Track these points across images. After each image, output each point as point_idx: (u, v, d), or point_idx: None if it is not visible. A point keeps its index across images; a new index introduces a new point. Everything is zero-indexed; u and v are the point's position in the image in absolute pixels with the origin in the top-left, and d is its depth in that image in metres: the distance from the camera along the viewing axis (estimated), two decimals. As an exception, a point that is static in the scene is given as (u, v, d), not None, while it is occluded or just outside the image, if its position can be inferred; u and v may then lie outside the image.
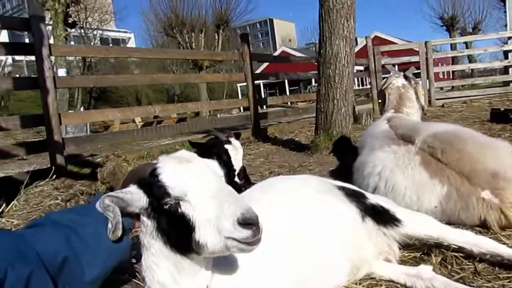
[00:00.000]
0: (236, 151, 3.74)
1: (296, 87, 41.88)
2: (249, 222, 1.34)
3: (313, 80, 36.13)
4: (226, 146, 3.73)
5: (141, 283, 1.72)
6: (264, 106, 10.03)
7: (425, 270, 2.09)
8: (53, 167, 3.97)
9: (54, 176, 3.12)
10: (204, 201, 1.42)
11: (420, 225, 2.28)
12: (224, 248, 1.40)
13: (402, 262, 2.32)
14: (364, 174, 3.29)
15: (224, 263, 1.70)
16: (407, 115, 4.03)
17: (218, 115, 20.76)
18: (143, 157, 7.08)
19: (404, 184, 2.96)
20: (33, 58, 5.43)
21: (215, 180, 1.51)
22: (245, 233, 1.34)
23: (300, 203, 2.08)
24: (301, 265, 1.87)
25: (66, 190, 2.81)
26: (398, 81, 4.23)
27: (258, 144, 7.97)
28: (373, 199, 2.37)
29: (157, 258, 1.60)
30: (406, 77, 4.25)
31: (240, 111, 27.09)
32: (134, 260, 1.89)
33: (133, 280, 1.72)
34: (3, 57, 33.41)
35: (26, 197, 2.75)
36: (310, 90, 35.83)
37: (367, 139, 3.77)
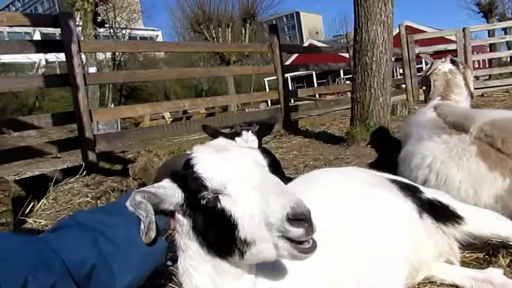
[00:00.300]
0: (245, 143, 3.50)
1: (324, 80, 41.23)
2: (301, 218, 1.13)
3: (341, 72, 35.60)
4: (236, 138, 3.52)
5: (178, 288, 1.55)
6: (291, 100, 9.78)
7: (495, 274, 1.84)
8: (84, 164, 3.90)
9: (85, 173, 3.02)
10: (247, 193, 1.23)
11: (485, 222, 2.02)
12: (274, 249, 1.20)
13: (464, 264, 2.07)
14: (411, 166, 3.03)
15: (268, 266, 1.51)
16: (456, 102, 3.73)
17: (246, 110, 20.62)
18: (173, 152, 7.00)
19: (459, 177, 2.69)
20: (65, 58, 5.40)
21: (258, 169, 1.30)
22: (295, 231, 1.13)
23: (350, 198, 1.86)
24: (355, 268, 1.65)
25: (96, 187, 2.69)
26: (444, 66, 3.92)
27: (290, 137, 7.77)
28: (429, 193, 2.13)
29: (195, 261, 1.43)
30: (453, 62, 3.93)
31: (267, 105, 26.89)
32: (169, 263, 1.72)
33: (169, 284, 1.56)
34: (36, 59, 34.39)
35: (56, 195, 2.65)
36: (339, 82, 35.23)
37: (412, 128, 3.50)
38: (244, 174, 1.27)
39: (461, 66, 3.92)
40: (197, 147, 1.43)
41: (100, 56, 29.70)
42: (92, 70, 16.50)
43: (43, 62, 36.92)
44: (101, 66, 30.86)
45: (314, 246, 1.19)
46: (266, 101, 28.17)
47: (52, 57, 33.21)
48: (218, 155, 1.34)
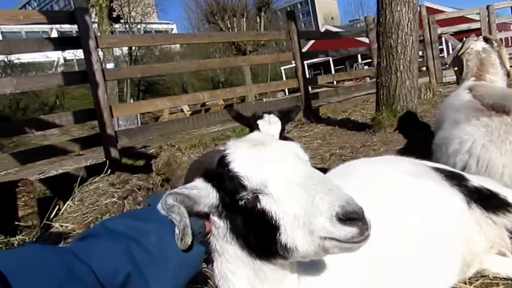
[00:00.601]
0: (268, 124, 3.38)
1: (342, 66, 40.66)
2: (353, 217, 1.01)
3: (359, 58, 34.99)
4: (259, 121, 3.39)
5: (215, 293, 1.44)
6: (309, 88, 9.59)
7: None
8: (108, 161, 3.85)
9: (109, 171, 2.96)
10: (289, 192, 1.11)
11: (540, 210, 1.86)
12: (321, 251, 1.09)
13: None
14: (449, 152, 2.86)
15: (309, 263, 1.40)
16: (491, 82, 3.52)
17: (264, 100, 20.46)
18: (195, 145, 6.95)
19: (502, 162, 2.54)
20: (82, 56, 5.37)
21: (300, 165, 1.18)
22: (348, 231, 1.01)
23: (394, 191, 1.73)
24: (403, 266, 1.53)
25: (122, 186, 2.61)
26: (477, 44, 3.70)
27: (311, 125, 7.62)
28: (475, 181, 1.98)
29: (233, 265, 1.32)
30: (486, 40, 3.72)
31: (285, 94, 26.64)
32: (204, 265, 1.62)
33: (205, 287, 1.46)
34: (55, 58, 34.85)
35: (81, 196, 2.58)
36: (357, 68, 34.67)
37: (446, 112, 3.32)
38: (285, 171, 1.15)
39: (495, 44, 3.70)
40: (232, 142, 1.31)
41: (117, 52, 29.87)
42: (110, 66, 16.56)
43: (61, 61, 37.43)
44: (118, 62, 31.07)
45: (367, 235, 1.05)
46: (284, 90, 27.94)
47: (70, 55, 33.64)
48: (256, 150, 1.22)
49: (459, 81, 3.87)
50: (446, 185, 1.86)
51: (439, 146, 3.08)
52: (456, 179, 1.93)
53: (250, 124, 3.44)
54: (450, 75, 10.95)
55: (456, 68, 3.94)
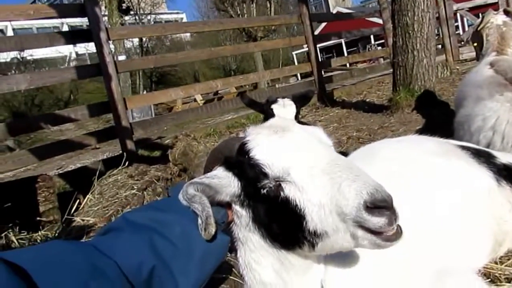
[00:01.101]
0: (283, 108, 3.32)
1: (355, 48, 40.10)
2: (381, 205, 0.96)
3: (372, 38, 34.44)
4: (273, 105, 3.34)
5: (240, 281, 1.42)
6: (322, 71, 9.43)
7: None
8: (125, 153, 3.85)
9: (127, 163, 2.95)
10: (314, 179, 1.06)
11: None
12: (351, 240, 1.05)
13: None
14: (472, 130, 2.78)
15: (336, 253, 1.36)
16: (513, 56, 3.40)
17: (277, 86, 20.32)
18: (210, 134, 6.93)
19: (529, 138, 2.45)
20: (94, 50, 5.36)
21: (324, 151, 1.13)
22: (376, 220, 0.97)
23: (421, 172, 1.67)
24: (434, 249, 1.48)
25: (140, 177, 2.60)
26: (497, 18, 3.57)
27: (326, 109, 7.53)
28: (503, 158, 1.92)
29: (257, 255, 1.29)
30: (507, 13, 3.58)
31: (297, 79, 26.42)
32: (228, 254, 1.60)
33: (230, 277, 1.43)
34: (67, 53, 35.11)
35: (101, 189, 2.58)
36: (370, 49, 34.13)
37: (467, 88, 3.22)
38: (309, 157, 1.10)
39: (517, 16, 3.56)
40: (252, 129, 1.26)
41: (128, 44, 29.95)
42: (122, 58, 16.61)
43: (73, 55, 37.69)
44: (129, 54, 31.18)
45: (399, 233, 1.02)
46: (296, 75, 27.70)
47: (81, 49, 33.81)
48: (277, 137, 1.17)
49: (479, 57, 3.76)
50: (474, 163, 1.79)
51: (461, 124, 3.00)
52: (483, 157, 1.86)
53: (264, 110, 3.40)
54: (467, 52, 10.69)
55: (475, 44, 3.82)
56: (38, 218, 2.28)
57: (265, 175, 1.12)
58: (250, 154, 1.16)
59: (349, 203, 0.98)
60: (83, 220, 2.01)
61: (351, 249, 1.13)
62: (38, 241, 2.05)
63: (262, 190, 1.14)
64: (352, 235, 1.03)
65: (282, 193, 1.11)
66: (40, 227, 2.24)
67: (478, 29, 3.68)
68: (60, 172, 5.31)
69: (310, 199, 1.07)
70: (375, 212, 0.97)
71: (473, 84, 3.16)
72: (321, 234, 1.07)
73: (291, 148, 1.13)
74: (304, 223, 1.08)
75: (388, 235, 1.01)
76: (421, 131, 4.34)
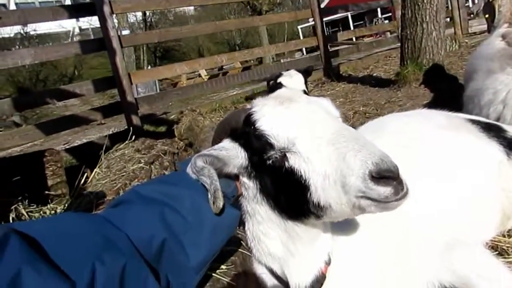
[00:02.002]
0: (290, 78, 3.29)
1: (361, 22, 39.36)
2: (387, 175, 0.95)
3: (379, 12, 33.78)
4: (279, 78, 3.31)
5: (248, 253, 1.43)
6: (328, 46, 9.27)
7: None
8: (131, 128, 3.85)
9: (133, 138, 2.95)
10: (319, 150, 1.05)
11: None
12: (357, 210, 1.03)
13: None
14: (481, 104, 2.74)
15: (344, 222, 1.36)
16: (526, 28, 3.32)
17: (282, 60, 20.11)
18: (215, 109, 6.91)
19: (540, 111, 2.41)
20: (97, 24, 5.30)
21: (330, 122, 1.11)
22: (382, 190, 0.95)
23: (430, 145, 1.65)
24: (442, 222, 1.48)
25: (147, 151, 2.60)
26: (510, -12, 3.47)
27: (333, 84, 7.45)
28: (512, 131, 1.88)
29: (265, 227, 1.29)
30: (520, -18, 3.48)
31: (303, 54, 26.11)
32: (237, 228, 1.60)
33: (239, 250, 1.44)
34: (70, 28, 34.79)
35: (108, 163, 2.58)
36: (377, 22, 33.52)
37: (478, 61, 3.16)
38: (314, 128, 1.09)
39: (530, -13, 3.47)
40: (258, 100, 1.25)
41: (131, 18, 29.58)
42: (126, 33, 16.45)
43: (76, 30, 37.34)
44: (133, 29, 30.86)
45: (405, 193, 0.99)
46: (301, 50, 27.36)
47: (85, 24, 33.49)
48: (283, 107, 1.16)
49: (490, 29, 3.68)
50: (483, 137, 1.77)
51: (471, 97, 2.96)
52: (493, 131, 1.84)
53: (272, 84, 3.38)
54: (476, 25, 10.48)
55: (487, 15, 3.74)
56: (46, 192, 2.30)
57: (271, 146, 1.11)
58: (256, 125, 1.15)
59: (354, 173, 0.97)
60: (92, 193, 2.02)
61: (358, 215, 1.12)
62: (47, 214, 2.07)
63: (268, 161, 1.13)
64: (356, 205, 1.02)
65: (287, 164, 1.10)
66: (49, 200, 2.26)
67: (490, 0, 3.59)
68: (67, 147, 5.33)
69: (315, 170, 1.06)
70: (381, 182, 0.95)
71: (484, 57, 3.10)
72: (325, 206, 1.07)
73: (296, 119, 1.12)
74: (309, 194, 1.08)
75: (394, 197, 0.98)
76: (429, 106, 4.30)
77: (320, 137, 1.06)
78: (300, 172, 1.09)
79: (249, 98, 7.31)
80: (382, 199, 0.97)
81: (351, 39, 13.68)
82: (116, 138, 4.16)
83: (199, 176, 1.15)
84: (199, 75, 18.54)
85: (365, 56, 10.36)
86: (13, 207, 1.96)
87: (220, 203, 1.11)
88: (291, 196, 1.15)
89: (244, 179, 1.26)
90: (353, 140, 1.03)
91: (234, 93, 8.99)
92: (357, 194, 0.99)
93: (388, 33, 18.45)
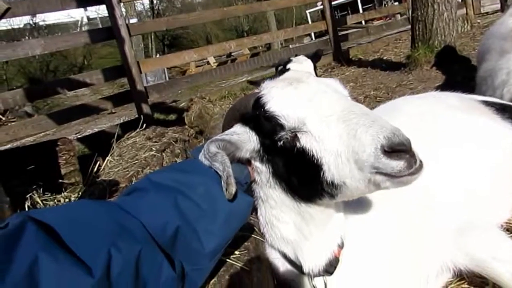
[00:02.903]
0: (300, 64, 3.25)
1: (370, 5, 38.77)
2: (400, 149, 0.94)
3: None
4: (289, 64, 3.28)
5: (261, 239, 1.43)
6: (337, 30, 9.14)
7: None
8: (141, 117, 3.87)
9: (144, 126, 2.97)
10: (329, 128, 1.04)
11: None
12: (372, 186, 1.02)
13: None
14: (495, 84, 2.70)
15: (356, 202, 1.35)
16: (540, 6, 3.24)
17: (290, 46, 19.94)
18: (225, 96, 6.91)
19: (556, 91, 2.36)
20: (106, 14, 5.29)
21: (339, 99, 1.10)
22: (394, 164, 0.94)
23: (444, 127, 1.63)
24: (457, 205, 1.47)
25: (159, 139, 2.61)
26: (525, -36, 3.38)
27: (342, 68, 7.40)
28: (528, 112, 1.85)
29: (278, 211, 1.30)
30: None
31: (311, 39, 25.83)
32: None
33: (252, 235, 1.44)
34: (78, 17, 34.82)
35: (120, 151, 2.60)
36: (386, 5, 32.98)
37: (491, 41, 3.10)
38: (324, 107, 1.08)
39: (546, -37, 3.37)
40: (267, 83, 1.24)
41: (139, 7, 29.53)
42: (133, 21, 16.42)
43: (85, 20, 37.36)
44: (141, 17, 30.80)
45: (420, 166, 0.98)
46: (310, 35, 27.05)
47: (93, 13, 33.47)
48: (292, 88, 1.15)
49: (503, 7, 3.61)
50: (497, 118, 1.75)
51: (484, 78, 2.91)
52: (508, 112, 1.81)
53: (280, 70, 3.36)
54: (488, 5, 10.24)
55: (501, -6, 3.64)
56: (60, 181, 2.33)
57: (281, 127, 1.11)
58: (266, 107, 1.14)
59: (366, 148, 0.96)
60: (104, 181, 2.04)
61: (373, 192, 1.11)
62: (62, 202, 2.10)
63: (279, 142, 1.13)
64: (371, 181, 1.01)
65: (298, 144, 1.10)
66: (63, 189, 2.29)
67: (504, -22, 3.50)
68: (79, 136, 5.39)
69: (326, 148, 1.05)
70: (393, 156, 0.94)
71: (497, 37, 3.04)
72: (339, 183, 1.06)
73: (306, 99, 1.11)
74: (322, 173, 1.07)
75: (409, 171, 0.97)
76: (441, 88, 4.25)
77: (330, 115, 1.06)
78: (312, 152, 1.08)
79: (253, 83, 7.29)
80: (396, 173, 0.96)
81: (361, 22, 13.51)
82: (127, 127, 4.18)
83: (212, 162, 1.15)
84: (208, 63, 18.49)
85: (375, 40, 10.22)
86: (28, 195, 1.99)
87: (233, 189, 1.11)
88: (304, 177, 1.15)
89: (257, 164, 1.26)
90: (363, 116, 1.02)
91: (243, 79, 8.96)
92: (371, 170, 0.98)
93: (398, 15, 18.13)
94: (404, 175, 0.97)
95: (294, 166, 1.15)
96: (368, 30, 9.98)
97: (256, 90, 1.30)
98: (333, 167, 1.05)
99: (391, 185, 1.01)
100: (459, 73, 4.54)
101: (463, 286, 1.53)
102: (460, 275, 1.50)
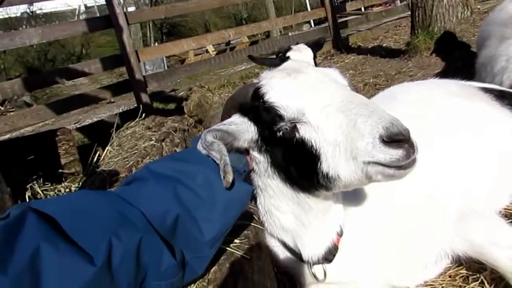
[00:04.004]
0: (300, 52, 3.23)
1: (370, -9, 38.44)
2: (398, 139, 0.94)
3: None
4: (288, 53, 3.26)
5: (261, 227, 1.45)
6: (336, 17, 9.08)
7: None
8: (140, 106, 3.87)
9: (143, 115, 2.96)
10: (328, 118, 1.05)
11: None
12: (364, 178, 1.03)
13: None
14: (495, 71, 2.69)
15: (355, 193, 1.37)
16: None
17: (290, 34, 19.78)
18: (224, 85, 6.87)
19: (556, 78, 2.36)
20: (103, 1, 5.24)
21: (338, 89, 1.11)
22: (393, 153, 0.95)
23: (443, 114, 1.64)
24: (457, 192, 1.47)
25: (158, 128, 2.61)
26: None
27: (342, 56, 7.35)
28: (527, 99, 1.85)
29: (276, 200, 1.31)
30: None
31: (311, 26, 25.65)
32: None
33: (252, 224, 1.46)
34: (76, 6, 34.52)
35: (119, 141, 2.60)
36: (386, -9, 32.67)
37: (491, 28, 3.08)
38: (323, 97, 1.08)
39: None
40: (266, 73, 1.24)
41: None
42: (131, 9, 16.30)
43: (82, 8, 37.04)
44: (138, 5, 30.53)
45: (413, 160, 0.99)
46: (309, 22, 26.85)
47: (90, 1, 33.16)
48: (291, 78, 1.15)
49: (503, -7, 3.56)
50: (496, 105, 1.75)
51: (484, 65, 2.90)
52: (507, 98, 1.81)
53: (276, 63, 3.34)
54: (488, -10, 10.14)
55: (501, -21, 3.61)
56: (60, 171, 2.34)
57: (280, 117, 1.11)
58: (265, 98, 1.15)
59: (365, 138, 0.96)
60: (104, 171, 2.05)
61: (366, 184, 1.12)
62: (62, 192, 2.11)
63: (278, 132, 1.13)
64: (364, 172, 1.02)
65: (297, 134, 1.11)
66: (63, 179, 2.30)
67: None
68: (78, 126, 5.38)
69: (325, 138, 1.06)
70: (392, 145, 0.95)
71: (497, 23, 3.03)
72: (334, 176, 1.07)
73: (305, 89, 1.11)
74: (319, 164, 1.08)
75: (403, 164, 0.98)
76: (440, 75, 4.23)
77: (329, 105, 1.06)
78: (311, 142, 1.09)
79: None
80: (393, 162, 0.96)
81: (360, 9, 13.40)
82: (126, 116, 4.17)
83: (209, 151, 1.16)
84: (207, 51, 18.37)
85: (374, 27, 10.15)
86: (28, 186, 1.99)
87: (230, 177, 1.12)
88: (302, 168, 1.15)
89: (255, 154, 1.27)
90: (362, 106, 1.02)
91: (243, 68, 8.90)
92: (365, 159, 0.99)
93: (398, 1, 18.00)
94: (401, 165, 0.97)
95: (293, 157, 1.15)
96: (367, 16, 9.91)
97: (255, 81, 1.30)
98: (331, 158, 1.06)
99: (382, 178, 1.01)
100: (459, 59, 4.52)
101: (461, 271, 1.55)
102: (459, 261, 1.51)
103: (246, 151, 1.30)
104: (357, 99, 1.06)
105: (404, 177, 1.01)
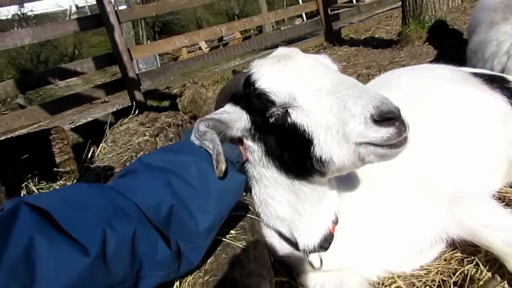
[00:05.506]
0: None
1: (362, -18, 38.39)
2: (389, 117, 0.95)
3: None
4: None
5: (257, 218, 1.45)
6: (328, 9, 9.06)
7: None
8: (134, 103, 3.86)
9: (137, 112, 2.96)
10: (319, 102, 1.06)
11: None
12: (357, 160, 1.04)
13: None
14: (485, 56, 2.71)
15: (350, 180, 1.38)
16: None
17: (282, 28, 19.75)
18: (217, 81, 6.86)
19: (546, 61, 2.37)
20: (94, 1, 5.21)
21: (328, 73, 1.11)
22: (384, 131, 0.95)
23: (435, 98, 1.65)
24: (449, 175, 1.49)
25: (152, 124, 2.61)
26: None
27: (334, 48, 7.36)
28: (517, 81, 1.87)
29: (271, 190, 1.31)
30: None
31: (303, 20, 25.61)
32: (243, 193, 1.62)
33: (247, 215, 1.46)
34: (67, 6, 34.30)
35: (113, 138, 2.60)
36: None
37: (481, 14, 3.10)
38: (313, 81, 1.09)
39: None
40: (256, 61, 1.25)
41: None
42: (122, 8, 16.20)
43: (73, 9, 36.80)
44: (129, 4, 30.37)
45: (405, 138, 1.00)
46: (301, 16, 26.80)
47: (81, 1, 32.94)
48: (281, 65, 1.16)
49: (493, -21, 3.57)
50: (486, 89, 1.76)
51: (474, 51, 2.92)
52: (497, 82, 1.82)
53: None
54: (479, -22, 10.14)
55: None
56: (55, 169, 2.33)
57: (272, 103, 1.12)
58: (256, 85, 1.15)
59: (356, 118, 0.97)
60: (99, 167, 2.05)
61: (359, 167, 1.13)
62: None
63: (270, 118, 1.14)
64: (356, 153, 1.03)
65: (289, 119, 1.11)
66: (58, 177, 2.29)
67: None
68: (73, 126, 5.36)
69: (317, 122, 1.06)
70: (383, 124, 0.96)
71: (487, 8, 3.04)
72: (327, 159, 1.08)
73: (295, 74, 1.12)
74: (312, 148, 1.09)
75: (394, 143, 0.99)
76: (433, 63, 4.24)
77: (319, 89, 1.07)
78: (303, 126, 1.10)
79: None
80: (385, 140, 0.97)
81: (351, 1, 13.41)
82: (120, 115, 4.16)
83: (202, 140, 1.16)
84: (200, 48, 18.31)
85: (366, 18, 10.15)
86: (23, 184, 1.99)
87: (223, 166, 1.12)
88: (296, 153, 1.16)
89: (249, 142, 1.27)
90: (352, 87, 1.03)
91: (236, 63, 8.89)
92: (357, 140, 1.00)
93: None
94: (392, 143, 0.98)
95: (286, 143, 1.16)
96: (359, 8, 9.95)
97: (246, 70, 1.31)
98: (323, 142, 1.06)
99: (375, 158, 1.02)
100: (451, 47, 4.54)
101: (456, 255, 1.57)
102: (453, 245, 1.53)
103: (239, 141, 1.31)
104: (347, 81, 1.07)
105: (396, 157, 1.01)
